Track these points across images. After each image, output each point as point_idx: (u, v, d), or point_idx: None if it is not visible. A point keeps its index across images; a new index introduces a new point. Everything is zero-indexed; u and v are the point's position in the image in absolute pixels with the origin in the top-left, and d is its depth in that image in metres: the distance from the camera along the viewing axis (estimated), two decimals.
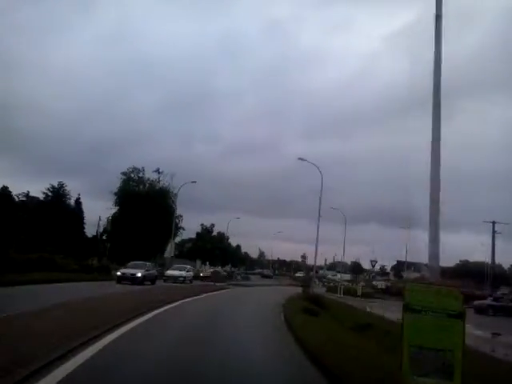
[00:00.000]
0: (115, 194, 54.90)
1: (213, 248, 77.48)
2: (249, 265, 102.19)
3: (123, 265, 33.32)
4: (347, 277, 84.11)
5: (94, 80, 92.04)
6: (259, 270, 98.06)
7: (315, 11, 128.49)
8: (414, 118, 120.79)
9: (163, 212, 53.02)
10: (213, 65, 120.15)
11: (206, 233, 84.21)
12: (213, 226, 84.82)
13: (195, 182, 50.56)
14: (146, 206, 52.74)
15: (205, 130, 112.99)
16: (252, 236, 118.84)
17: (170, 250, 49.18)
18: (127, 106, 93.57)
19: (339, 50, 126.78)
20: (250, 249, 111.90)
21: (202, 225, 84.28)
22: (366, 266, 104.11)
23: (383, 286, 62.67)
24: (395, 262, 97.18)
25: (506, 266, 77.01)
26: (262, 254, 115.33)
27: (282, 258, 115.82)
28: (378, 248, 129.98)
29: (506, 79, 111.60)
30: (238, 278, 64.41)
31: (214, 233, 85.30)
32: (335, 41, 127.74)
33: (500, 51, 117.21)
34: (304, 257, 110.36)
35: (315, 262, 38.97)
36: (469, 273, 63.91)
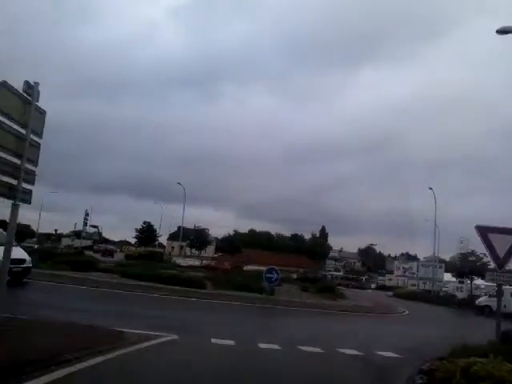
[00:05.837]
0: None
1: None
2: None
3: None
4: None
5: None
6: None
7: None
8: (182, 92, 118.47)
9: None
10: None
11: None
12: None
13: None
14: None
15: None
16: None
17: None
18: None
19: (118, 9, 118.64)
20: None
21: None
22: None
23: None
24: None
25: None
26: None
27: None
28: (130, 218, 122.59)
29: (266, 70, 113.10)
30: None
31: None
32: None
33: (268, 42, 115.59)
34: None
35: None
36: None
